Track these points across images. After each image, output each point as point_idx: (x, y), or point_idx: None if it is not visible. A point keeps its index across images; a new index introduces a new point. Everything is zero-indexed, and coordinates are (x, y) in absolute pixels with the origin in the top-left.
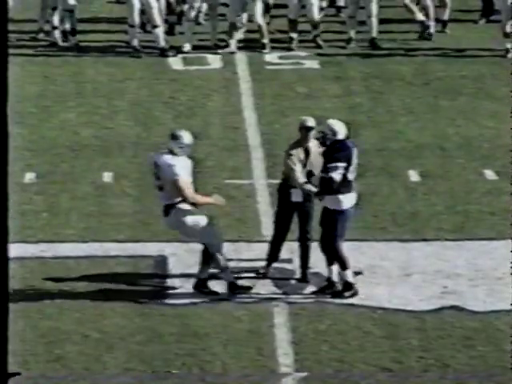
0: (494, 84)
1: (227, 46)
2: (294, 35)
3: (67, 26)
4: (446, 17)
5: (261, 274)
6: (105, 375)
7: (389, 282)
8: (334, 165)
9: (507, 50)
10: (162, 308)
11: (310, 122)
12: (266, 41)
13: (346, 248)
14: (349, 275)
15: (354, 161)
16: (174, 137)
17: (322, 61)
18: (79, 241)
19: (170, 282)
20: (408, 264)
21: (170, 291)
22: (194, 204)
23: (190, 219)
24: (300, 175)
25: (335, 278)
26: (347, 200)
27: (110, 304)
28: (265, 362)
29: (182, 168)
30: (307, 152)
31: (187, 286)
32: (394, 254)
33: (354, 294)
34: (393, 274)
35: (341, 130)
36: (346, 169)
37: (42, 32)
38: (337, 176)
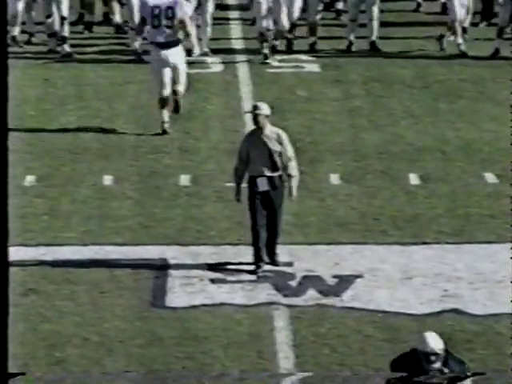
0: (494, 87)
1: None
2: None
3: (65, 33)
4: (467, 24)
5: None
6: (105, 377)
7: (389, 286)
8: None
9: (497, 50)
10: (162, 311)
11: (261, 108)
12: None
13: (347, 251)
14: None
15: None
16: None
17: (323, 64)
18: (79, 244)
19: (170, 285)
20: (408, 267)
21: (170, 294)
22: None
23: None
24: (236, 173)
25: None
26: None
27: (110, 307)
28: (265, 365)
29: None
30: (263, 141)
31: (187, 289)
32: (394, 258)
33: None
34: (393, 278)
35: None
36: None
37: (29, 34)
38: None
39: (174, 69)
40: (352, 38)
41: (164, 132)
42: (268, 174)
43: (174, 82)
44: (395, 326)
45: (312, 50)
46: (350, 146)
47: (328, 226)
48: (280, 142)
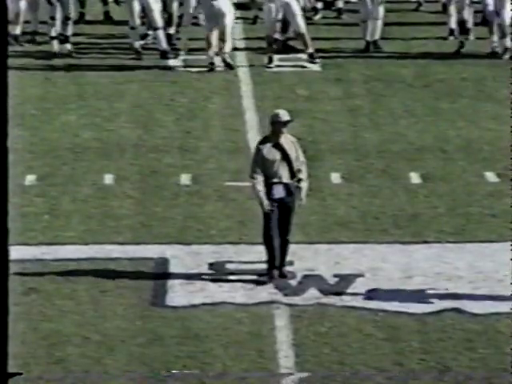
0: (495, 86)
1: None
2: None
3: (68, 33)
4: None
5: (266, 280)
6: (105, 377)
7: (390, 285)
8: None
9: (506, 49)
10: (162, 310)
11: (286, 115)
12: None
13: (348, 251)
14: None
15: None
16: None
17: (323, 63)
18: (80, 243)
19: (170, 284)
20: (409, 266)
21: (171, 293)
22: None
23: None
24: (258, 186)
25: None
26: None
27: (111, 306)
28: (265, 364)
29: None
30: (281, 147)
31: (188, 288)
32: (395, 257)
33: None
34: (394, 277)
35: None
36: None
37: (37, 34)
38: None
39: (223, 19)
40: (369, 37)
41: (230, 66)
42: (285, 180)
43: (221, 39)
44: (395, 325)
45: (268, 66)
46: (351, 145)
47: (329, 225)
48: (295, 148)
